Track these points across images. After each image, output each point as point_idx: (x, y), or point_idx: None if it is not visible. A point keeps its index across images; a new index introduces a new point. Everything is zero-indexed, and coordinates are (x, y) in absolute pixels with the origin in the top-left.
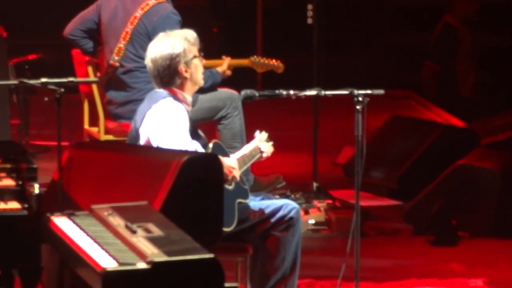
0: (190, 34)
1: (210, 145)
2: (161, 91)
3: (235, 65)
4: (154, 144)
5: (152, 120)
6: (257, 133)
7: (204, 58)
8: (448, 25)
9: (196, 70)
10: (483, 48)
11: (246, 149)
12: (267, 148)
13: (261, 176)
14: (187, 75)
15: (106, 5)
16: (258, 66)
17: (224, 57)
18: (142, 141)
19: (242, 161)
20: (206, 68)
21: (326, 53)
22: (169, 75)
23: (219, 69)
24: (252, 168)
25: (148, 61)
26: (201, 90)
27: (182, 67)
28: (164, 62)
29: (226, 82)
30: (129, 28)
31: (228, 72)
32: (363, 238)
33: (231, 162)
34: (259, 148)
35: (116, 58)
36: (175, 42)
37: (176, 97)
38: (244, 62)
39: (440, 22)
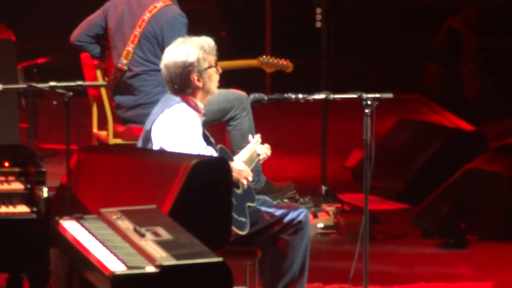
0: (207, 43)
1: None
2: (175, 96)
3: (244, 66)
4: (168, 150)
5: (164, 124)
6: (250, 137)
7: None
8: (451, 28)
9: (210, 80)
10: (489, 50)
11: (245, 154)
12: (263, 150)
13: (271, 179)
14: (199, 84)
15: (113, 9)
16: (267, 66)
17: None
18: (154, 145)
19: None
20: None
21: (335, 56)
22: (181, 82)
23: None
24: (263, 170)
25: (162, 66)
26: None
27: (194, 76)
28: (177, 70)
29: (235, 84)
30: (137, 31)
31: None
32: (371, 242)
33: (241, 166)
34: (256, 152)
35: (124, 61)
36: (190, 50)
37: (189, 104)
38: (253, 62)
39: (443, 25)
